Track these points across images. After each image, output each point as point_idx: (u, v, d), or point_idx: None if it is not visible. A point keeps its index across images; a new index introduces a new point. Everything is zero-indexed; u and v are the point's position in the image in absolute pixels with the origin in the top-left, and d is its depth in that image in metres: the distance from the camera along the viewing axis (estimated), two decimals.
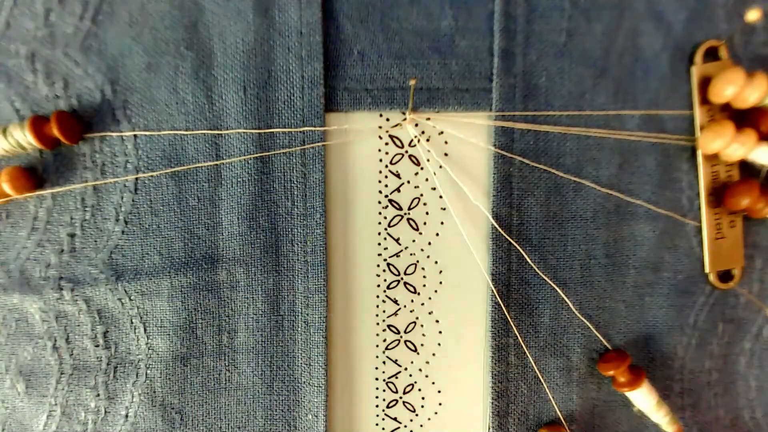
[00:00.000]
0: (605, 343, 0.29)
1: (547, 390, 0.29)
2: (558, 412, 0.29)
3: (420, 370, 0.30)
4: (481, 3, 0.28)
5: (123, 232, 0.28)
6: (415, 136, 0.28)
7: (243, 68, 0.27)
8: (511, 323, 0.28)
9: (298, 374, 0.28)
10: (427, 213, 0.29)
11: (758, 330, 0.31)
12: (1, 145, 0.26)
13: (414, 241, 0.29)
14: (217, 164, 0.27)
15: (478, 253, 0.29)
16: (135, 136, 0.27)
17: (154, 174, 0.27)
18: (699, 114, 0.29)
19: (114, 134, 0.27)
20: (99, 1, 0.27)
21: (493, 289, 0.28)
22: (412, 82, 0.25)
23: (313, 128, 0.27)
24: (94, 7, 0.27)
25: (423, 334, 0.30)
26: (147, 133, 0.27)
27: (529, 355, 0.29)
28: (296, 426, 0.29)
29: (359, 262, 0.29)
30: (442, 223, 0.29)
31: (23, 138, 0.25)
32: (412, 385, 0.30)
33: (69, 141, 0.26)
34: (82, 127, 0.27)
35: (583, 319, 0.29)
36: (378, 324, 0.29)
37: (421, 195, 0.29)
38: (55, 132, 0.25)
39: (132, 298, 0.28)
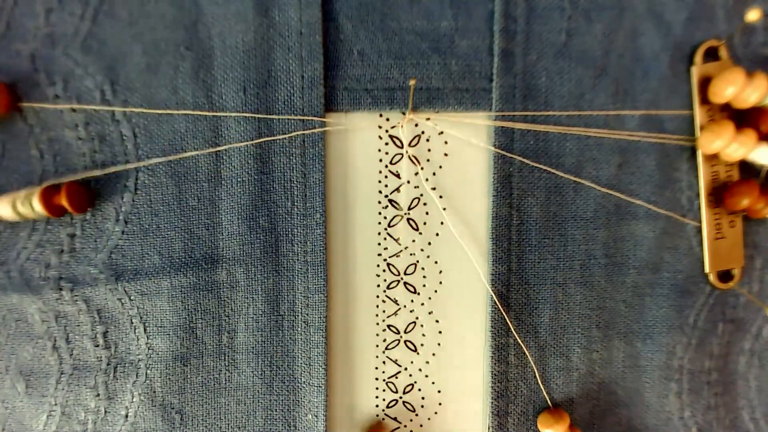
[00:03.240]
0: (548, 401, 0.29)
1: (544, 390, 0.29)
2: (547, 396, 0.29)
3: (420, 370, 0.30)
4: (481, 3, 0.28)
5: (123, 232, 0.28)
6: (416, 136, 0.28)
7: (243, 68, 0.27)
8: (510, 324, 0.28)
9: (298, 374, 0.28)
10: (427, 213, 0.29)
11: (758, 330, 0.31)
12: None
13: (414, 241, 0.29)
14: (216, 150, 0.27)
15: (478, 252, 0.29)
16: (135, 135, 0.27)
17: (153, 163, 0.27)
18: (699, 114, 0.29)
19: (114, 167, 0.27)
20: (99, 1, 0.27)
21: (491, 290, 0.28)
22: (412, 82, 0.25)
23: (312, 129, 0.27)
24: (94, 7, 0.27)
25: (423, 334, 0.30)
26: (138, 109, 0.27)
27: (528, 355, 0.29)
28: (296, 426, 0.29)
29: (359, 262, 0.29)
30: (442, 223, 0.29)
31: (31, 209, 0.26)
32: (412, 385, 0.30)
33: (77, 212, 0.27)
34: (89, 197, 0.27)
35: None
36: (378, 324, 0.29)
37: (421, 195, 0.29)
38: (65, 203, 0.26)
39: (132, 298, 0.28)
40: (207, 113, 0.27)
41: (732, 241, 0.30)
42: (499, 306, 0.28)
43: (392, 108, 0.28)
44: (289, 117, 0.27)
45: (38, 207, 0.26)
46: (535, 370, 0.29)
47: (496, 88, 0.28)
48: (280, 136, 0.27)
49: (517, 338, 0.29)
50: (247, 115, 0.27)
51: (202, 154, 0.27)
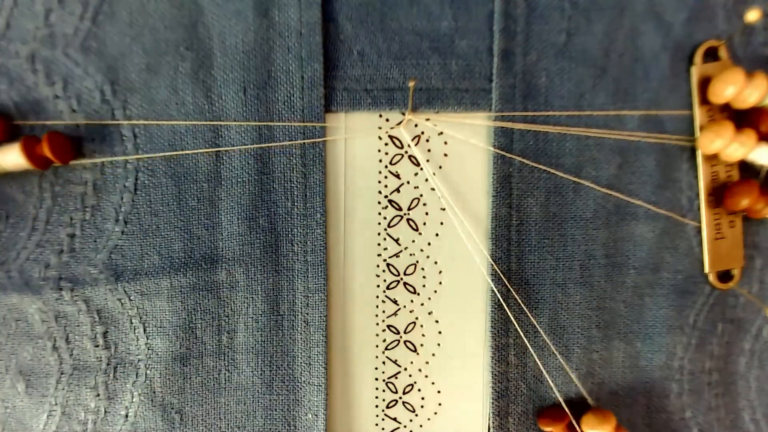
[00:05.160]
0: (558, 396, 0.29)
1: (584, 391, 0.29)
2: (560, 399, 0.29)
3: (420, 370, 0.30)
4: (481, 3, 0.28)
5: (123, 232, 0.28)
6: (416, 137, 0.28)
7: (243, 68, 0.27)
8: (514, 322, 0.28)
9: (298, 374, 0.28)
10: (426, 213, 0.29)
11: (758, 330, 0.31)
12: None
13: (414, 241, 0.29)
14: (216, 150, 0.28)
15: (477, 253, 0.29)
16: (135, 136, 0.27)
17: (153, 156, 0.27)
18: (699, 114, 0.29)
19: (105, 159, 0.27)
20: (99, 1, 0.27)
21: (495, 288, 0.28)
22: (411, 83, 0.25)
23: (313, 126, 0.27)
24: (94, 7, 0.27)
25: (423, 334, 0.30)
26: (143, 122, 0.27)
27: (532, 351, 0.29)
28: (296, 425, 0.29)
29: (359, 262, 0.29)
30: (441, 223, 0.29)
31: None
32: (412, 385, 0.30)
33: (61, 162, 0.26)
34: (73, 147, 0.27)
35: (567, 368, 0.29)
36: (378, 324, 0.29)
37: (421, 195, 0.29)
38: (47, 153, 0.26)
39: (132, 298, 0.28)
40: (210, 123, 0.27)
41: (732, 242, 0.30)
42: (504, 305, 0.28)
43: (392, 108, 0.28)
44: (289, 123, 0.27)
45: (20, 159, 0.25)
46: (539, 364, 0.29)
47: (496, 89, 0.28)
48: (282, 123, 0.27)
49: (521, 334, 0.29)
50: (248, 123, 0.27)
51: (204, 154, 0.27)
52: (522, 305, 0.29)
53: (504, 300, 0.29)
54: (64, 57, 0.27)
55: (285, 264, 0.28)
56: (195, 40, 0.27)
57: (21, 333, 0.28)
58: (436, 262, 0.29)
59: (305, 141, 0.27)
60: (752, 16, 0.26)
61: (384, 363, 0.30)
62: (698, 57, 0.29)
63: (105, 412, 0.28)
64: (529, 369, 0.29)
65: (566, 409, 0.29)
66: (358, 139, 0.28)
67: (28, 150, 0.25)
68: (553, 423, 0.28)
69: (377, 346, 0.29)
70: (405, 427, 0.30)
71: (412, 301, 0.29)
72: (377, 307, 0.29)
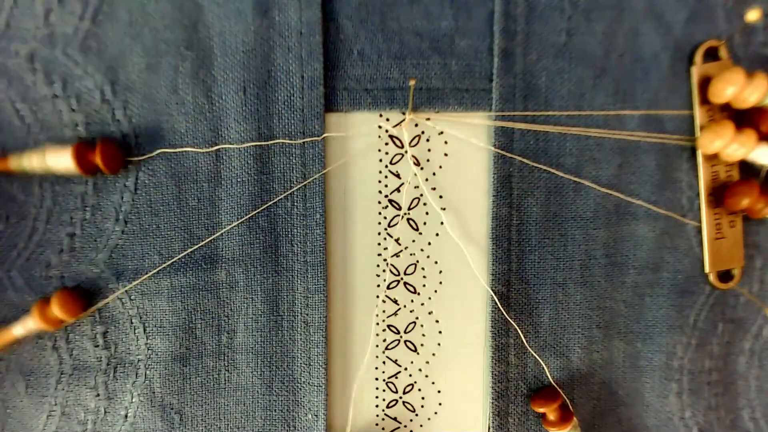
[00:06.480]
0: (549, 376, 0.29)
1: (547, 371, 0.29)
2: (549, 376, 0.29)
3: (420, 370, 0.30)
4: (481, 3, 0.28)
5: (123, 232, 0.28)
6: (416, 136, 0.28)
7: (243, 68, 0.27)
8: (513, 323, 0.28)
9: (298, 374, 0.28)
10: (427, 213, 0.29)
11: (758, 330, 0.31)
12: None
13: (414, 241, 0.29)
14: (217, 149, 0.27)
15: (478, 252, 0.29)
16: (136, 136, 0.27)
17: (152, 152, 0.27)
18: (699, 114, 0.29)
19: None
20: (99, 1, 0.27)
21: (490, 290, 0.28)
22: (411, 83, 0.25)
23: (313, 126, 0.27)
24: (94, 7, 0.27)
25: (423, 334, 0.30)
26: (168, 150, 0.27)
27: (532, 352, 0.29)
28: (296, 426, 0.29)
29: (359, 262, 0.29)
30: (442, 223, 0.29)
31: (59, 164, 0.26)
32: (412, 385, 0.30)
33: (110, 171, 0.26)
34: (123, 156, 0.27)
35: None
36: (378, 324, 0.29)
37: (421, 195, 0.29)
38: (98, 161, 0.26)
39: (132, 298, 0.28)
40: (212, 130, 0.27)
41: (732, 241, 0.30)
42: (500, 306, 0.28)
43: (392, 108, 0.28)
44: (289, 122, 0.27)
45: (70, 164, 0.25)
46: (543, 363, 0.29)
47: (496, 88, 0.28)
48: (281, 141, 0.27)
49: (521, 335, 0.29)
50: (248, 122, 0.27)
51: (204, 154, 0.27)
52: (522, 305, 0.29)
53: (504, 300, 0.29)
54: (64, 57, 0.27)
55: (285, 264, 0.28)
56: (195, 40, 0.27)
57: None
58: (436, 262, 0.29)
59: (305, 140, 0.27)
60: (752, 16, 0.26)
61: (384, 363, 0.30)
62: (698, 57, 0.29)
63: (105, 412, 0.28)
64: (529, 369, 0.29)
65: (559, 390, 0.29)
66: (358, 139, 0.28)
67: (80, 156, 0.25)
68: (546, 404, 0.28)
69: (377, 346, 0.29)
70: (405, 427, 0.30)
71: (412, 300, 0.29)
72: (377, 306, 0.29)
